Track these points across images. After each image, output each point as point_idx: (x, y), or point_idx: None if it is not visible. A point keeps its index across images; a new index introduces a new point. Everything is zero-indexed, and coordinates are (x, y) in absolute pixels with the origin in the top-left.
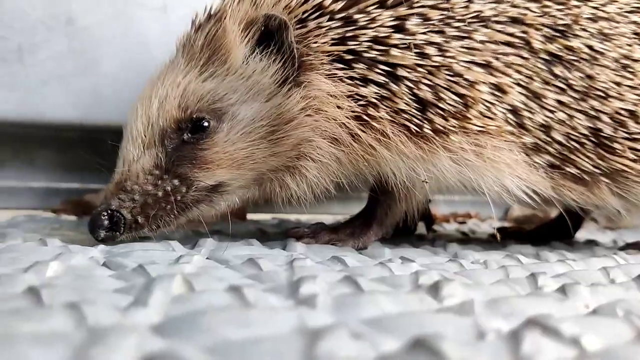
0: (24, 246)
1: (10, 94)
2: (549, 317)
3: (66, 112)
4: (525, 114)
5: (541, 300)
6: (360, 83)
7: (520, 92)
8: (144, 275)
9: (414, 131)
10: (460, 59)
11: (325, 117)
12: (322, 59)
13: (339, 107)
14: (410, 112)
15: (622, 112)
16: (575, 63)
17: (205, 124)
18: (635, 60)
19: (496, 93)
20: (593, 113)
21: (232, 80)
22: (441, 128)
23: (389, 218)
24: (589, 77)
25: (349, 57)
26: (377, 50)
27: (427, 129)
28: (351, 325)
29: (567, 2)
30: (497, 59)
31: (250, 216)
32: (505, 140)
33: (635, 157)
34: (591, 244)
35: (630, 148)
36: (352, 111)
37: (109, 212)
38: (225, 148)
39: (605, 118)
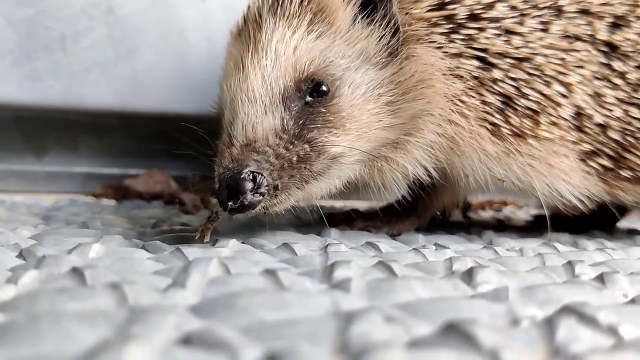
0: (66, 229)
1: (54, 81)
2: (585, 305)
3: (107, 99)
4: (587, 114)
5: (578, 288)
6: (459, 62)
7: (583, 91)
8: (182, 258)
9: (492, 129)
10: (542, 52)
11: (435, 93)
12: (426, 30)
13: (445, 84)
14: (494, 106)
15: None
16: (631, 54)
17: (324, 87)
18: None
19: (565, 93)
20: None
21: (341, 44)
22: (517, 131)
23: (428, 211)
24: None
25: (448, 28)
26: (473, 27)
27: (506, 129)
28: (385, 309)
29: None
30: (569, 54)
31: None
32: (565, 147)
33: None
34: (633, 233)
35: None
36: (453, 92)
37: (251, 173)
38: (352, 113)
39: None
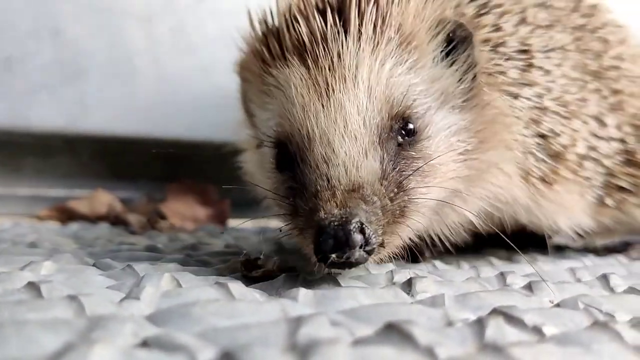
0: (14, 249)
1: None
2: (513, 308)
3: (53, 120)
4: (593, 145)
5: (508, 295)
6: (520, 110)
7: (590, 124)
8: (133, 274)
9: (524, 175)
10: (568, 87)
11: (506, 144)
12: (500, 77)
13: (512, 135)
14: (532, 155)
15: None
16: (608, 77)
17: (411, 125)
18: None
19: (579, 128)
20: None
21: (425, 81)
22: (544, 176)
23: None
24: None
25: (514, 76)
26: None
27: (535, 176)
28: (330, 315)
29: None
30: (583, 81)
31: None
32: (578, 184)
33: None
34: (562, 248)
35: None
36: (515, 144)
37: (359, 225)
38: (438, 160)
39: (627, 129)
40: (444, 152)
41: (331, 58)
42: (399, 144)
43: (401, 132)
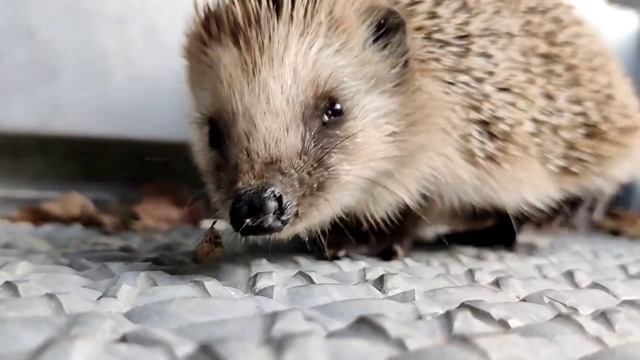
0: None
1: None
2: (480, 303)
3: (25, 121)
4: (542, 120)
5: (476, 290)
6: (454, 94)
7: (539, 100)
8: (109, 273)
9: (468, 158)
10: (513, 71)
11: (437, 128)
12: (433, 64)
13: (444, 118)
14: (473, 136)
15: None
16: (561, 59)
17: (338, 105)
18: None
19: (525, 108)
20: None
21: (354, 64)
22: (492, 156)
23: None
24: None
25: (449, 63)
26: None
27: (480, 156)
28: (304, 311)
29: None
30: (527, 68)
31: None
32: (531, 159)
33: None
34: (530, 246)
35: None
36: (448, 126)
37: (276, 193)
38: (364, 139)
39: (588, 104)
40: (371, 132)
41: (262, 40)
42: (324, 123)
43: (327, 111)
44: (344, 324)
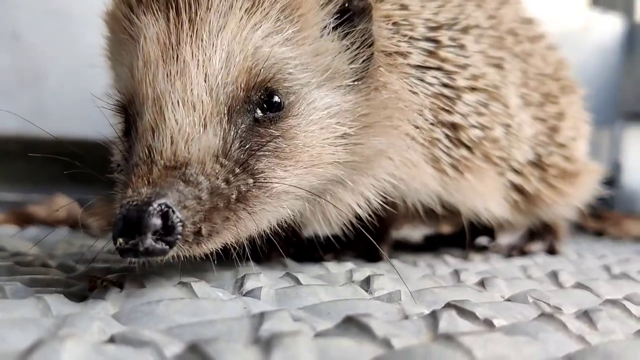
0: None
1: None
2: (465, 302)
3: (9, 125)
4: (512, 125)
5: (462, 291)
6: (421, 95)
7: (512, 102)
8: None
9: (434, 165)
10: (486, 68)
11: (399, 132)
12: (400, 59)
13: (408, 122)
14: (441, 142)
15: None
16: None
17: (277, 99)
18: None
19: (501, 111)
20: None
21: (306, 54)
22: (457, 164)
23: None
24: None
25: (420, 59)
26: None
27: (445, 164)
28: (292, 311)
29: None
30: (502, 66)
31: None
32: (492, 168)
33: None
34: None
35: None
36: (411, 131)
37: (162, 207)
38: (306, 142)
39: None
40: (315, 132)
41: (196, 11)
42: (256, 119)
43: (262, 105)
44: (332, 324)
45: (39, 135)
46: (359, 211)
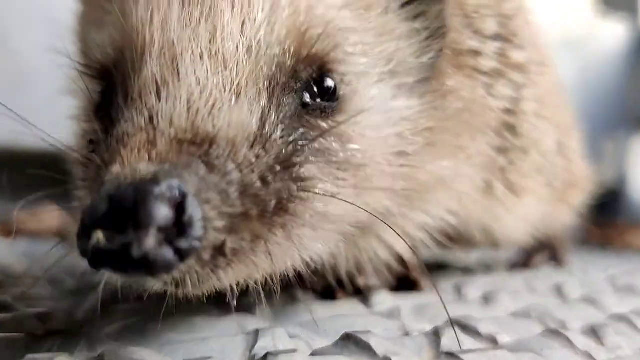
0: None
1: None
2: (469, 318)
3: None
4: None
5: (464, 305)
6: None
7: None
8: (88, 289)
9: (485, 189)
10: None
11: (467, 153)
12: (468, 60)
13: (478, 141)
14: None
15: None
16: None
17: (331, 82)
18: None
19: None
20: None
21: (370, 31)
22: (512, 187)
23: None
24: None
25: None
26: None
27: (500, 189)
28: (288, 328)
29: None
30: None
31: None
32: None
33: None
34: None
35: None
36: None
37: (175, 192)
38: (363, 149)
39: None
40: (373, 142)
41: None
42: (304, 104)
43: (311, 86)
44: (329, 342)
45: (30, 144)
46: (403, 252)
